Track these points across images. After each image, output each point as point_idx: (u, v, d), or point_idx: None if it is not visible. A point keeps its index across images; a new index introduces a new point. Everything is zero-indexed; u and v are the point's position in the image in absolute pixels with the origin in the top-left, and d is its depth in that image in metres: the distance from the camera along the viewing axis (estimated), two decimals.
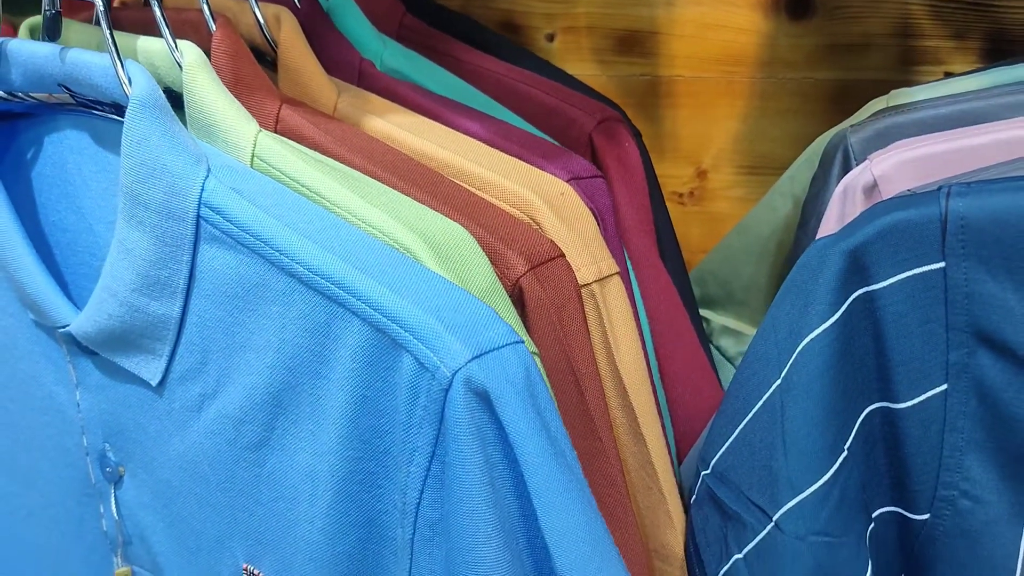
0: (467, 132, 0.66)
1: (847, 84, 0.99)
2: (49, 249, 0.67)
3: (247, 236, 0.53)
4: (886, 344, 0.53)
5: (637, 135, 0.76)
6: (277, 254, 0.52)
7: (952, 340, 0.52)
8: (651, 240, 0.73)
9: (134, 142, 0.54)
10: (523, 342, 0.49)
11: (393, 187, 0.58)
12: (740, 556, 0.57)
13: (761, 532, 0.55)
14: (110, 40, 0.56)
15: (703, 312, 0.88)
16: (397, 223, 0.53)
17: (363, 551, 0.54)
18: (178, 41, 0.59)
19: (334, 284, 0.50)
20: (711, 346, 0.87)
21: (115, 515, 0.66)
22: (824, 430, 0.53)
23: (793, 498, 0.53)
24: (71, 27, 0.66)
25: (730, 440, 0.58)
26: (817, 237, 0.65)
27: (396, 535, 0.52)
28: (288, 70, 0.67)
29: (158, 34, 0.61)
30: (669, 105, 1.03)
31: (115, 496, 0.66)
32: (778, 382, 0.55)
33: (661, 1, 1.00)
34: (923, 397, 0.53)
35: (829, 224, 0.65)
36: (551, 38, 1.03)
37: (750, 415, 0.57)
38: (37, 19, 0.65)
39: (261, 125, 0.58)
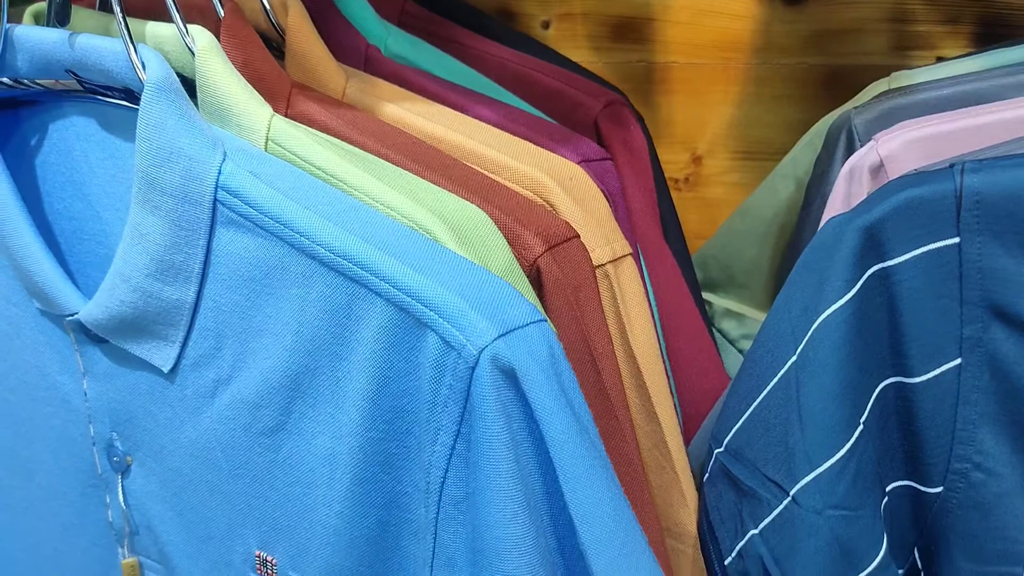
0: (476, 116, 0.66)
1: (841, 69, 1.00)
2: (54, 238, 0.67)
3: (266, 219, 0.53)
4: (901, 319, 0.54)
5: (640, 119, 0.77)
6: (297, 236, 0.52)
7: (966, 315, 0.53)
8: (656, 223, 0.74)
9: (150, 126, 0.54)
10: (546, 320, 0.49)
11: (408, 170, 0.58)
12: (756, 532, 0.58)
13: (778, 507, 0.56)
14: (123, 24, 0.55)
15: (705, 295, 0.88)
16: (416, 205, 0.54)
17: (382, 533, 0.54)
18: (188, 26, 0.59)
19: (356, 265, 0.50)
20: (713, 329, 0.88)
21: (122, 505, 0.66)
22: (841, 404, 0.54)
23: (810, 472, 0.54)
24: (77, 13, 0.65)
25: (744, 418, 0.59)
26: (823, 217, 0.66)
27: (418, 516, 0.52)
28: (296, 55, 0.67)
29: (165, 19, 0.60)
30: (664, 91, 1.04)
31: (122, 486, 0.65)
32: (793, 359, 0.55)
33: None
34: (937, 371, 0.54)
35: (835, 205, 0.65)
36: (546, 25, 1.03)
37: (764, 392, 0.57)
38: (41, 5, 0.65)
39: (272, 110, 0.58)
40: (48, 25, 0.63)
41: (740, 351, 0.87)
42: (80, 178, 0.65)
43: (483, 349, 0.47)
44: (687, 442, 0.72)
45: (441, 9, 0.83)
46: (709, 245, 0.89)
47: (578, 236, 0.57)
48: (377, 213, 0.53)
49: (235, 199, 0.54)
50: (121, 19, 0.56)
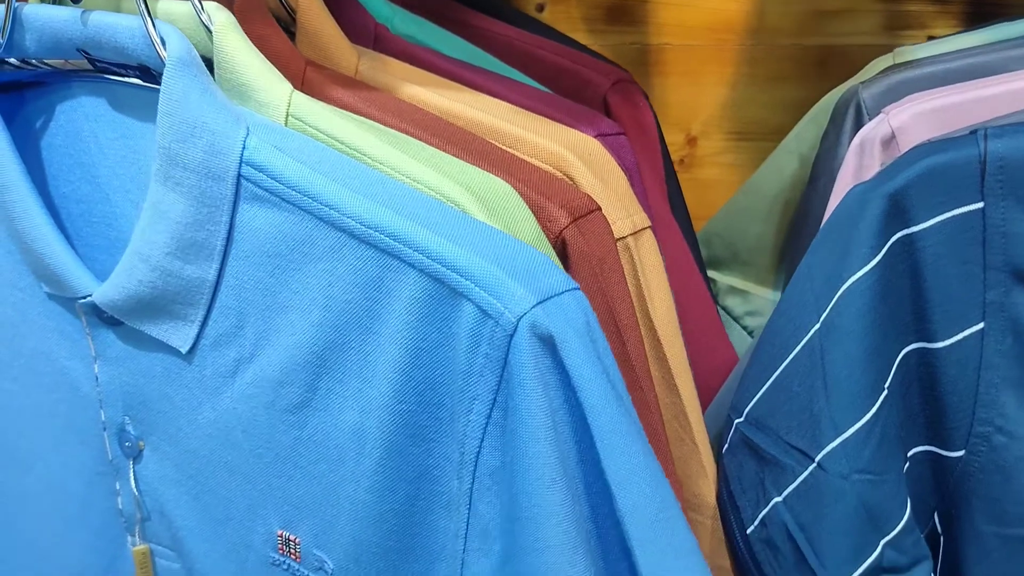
0: (490, 93, 0.66)
1: (834, 49, 1.01)
2: (60, 222, 0.66)
3: (293, 192, 0.53)
4: (924, 285, 0.54)
5: (646, 97, 0.77)
6: (326, 209, 0.52)
7: (989, 279, 0.53)
8: (665, 199, 0.74)
9: (173, 101, 0.54)
10: (580, 289, 0.49)
11: (429, 145, 0.58)
12: (780, 499, 0.58)
13: (802, 474, 0.57)
14: (143, 0, 0.55)
15: (709, 273, 0.89)
16: (443, 177, 0.54)
17: (411, 507, 0.54)
18: (204, 3, 0.59)
19: (389, 236, 0.50)
20: (718, 307, 0.89)
21: (134, 490, 0.65)
22: (866, 370, 0.55)
23: (836, 438, 0.55)
24: None
25: (765, 387, 0.59)
26: (833, 191, 0.67)
27: (450, 488, 0.52)
28: (307, 33, 0.66)
29: None
30: (659, 73, 1.04)
31: (134, 471, 0.64)
32: (817, 326, 0.56)
33: None
34: (960, 336, 0.55)
35: (845, 177, 0.66)
36: (541, 8, 1.03)
37: (787, 361, 0.58)
38: None
39: None
40: (58, 3, 0.62)
41: (744, 328, 0.88)
42: (89, 160, 0.64)
43: (521, 317, 0.47)
44: None
45: None
46: (714, 222, 0.90)
47: (600, 208, 0.58)
48: (405, 186, 0.53)
49: (260, 173, 0.53)
50: None
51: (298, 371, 0.55)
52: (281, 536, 0.60)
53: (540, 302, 0.48)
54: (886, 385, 0.55)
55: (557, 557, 0.49)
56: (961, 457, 0.57)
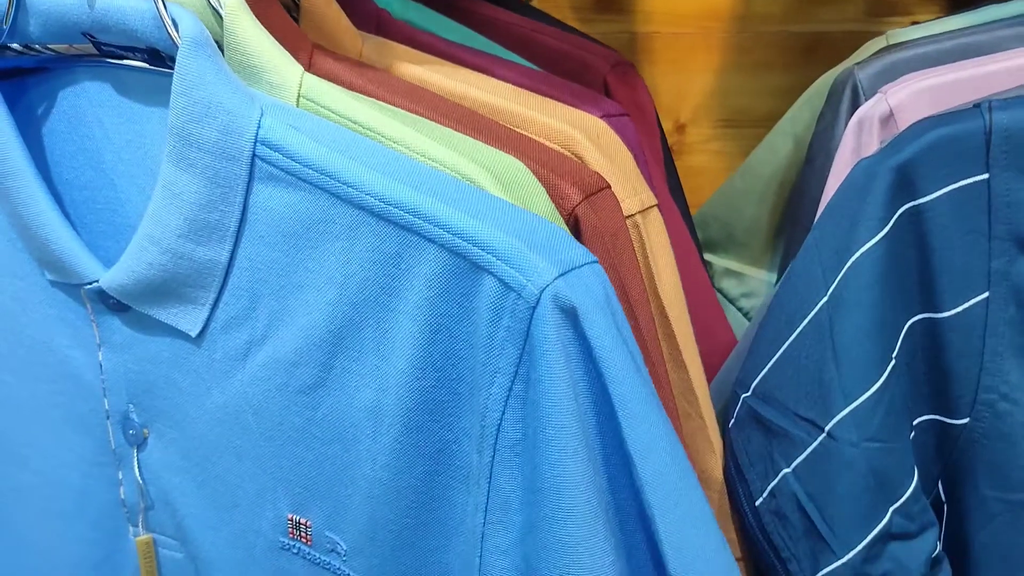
0: (494, 76, 0.66)
1: (820, 36, 1.02)
2: (63, 208, 0.65)
3: (309, 171, 0.53)
4: (931, 256, 0.56)
5: (642, 80, 0.78)
6: (344, 187, 0.52)
7: (994, 249, 0.55)
8: (664, 180, 0.75)
9: (188, 81, 0.54)
10: (598, 262, 0.50)
11: (441, 125, 0.58)
12: (789, 470, 0.59)
13: (812, 444, 0.58)
14: None
15: (704, 256, 0.90)
16: (458, 155, 0.54)
17: (430, 482, 0.54)
18: None
19: (409, 212, 0.50)
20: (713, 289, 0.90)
21: (138, 479, 0.64)
22: (875, 341, 0.56)
23: (846, 406, 0.56)
24: None
25: (773, 360, 0.60)
26: (832, 169, 0.68)
27: (469, 462, 0.53)
28: (312, 17, 0.67)
29: None
30: (647, 61, 1.05)
31: (138, 460, 0.64)
32: (825, 299, 0.57)
33: None
34: (966, 305, 0.56)
35: (844, 155, 0.67)
36: None
37: (794, 335, 0.59)
38: None
39: None
40: None
41: (740, 309, 0.89)
42: (93, 146, 0.64)
43: (544, 288, 0.48)
44: None
45: None
46: (709, 205, 0.91)
47: (610, 186, 0.58)
48: (421, 164, 0.53)
49: (276, 153, 0.53)
50: None
51: (313, 351, 0.55)
52: (291, 520, 0.59)
53: (562, 274, 0.48)
54: (893, 355, 0.56)
55: (579, 526, 0.49)
56: (966, 424, 0.58)
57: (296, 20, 0.68)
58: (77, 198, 0.65)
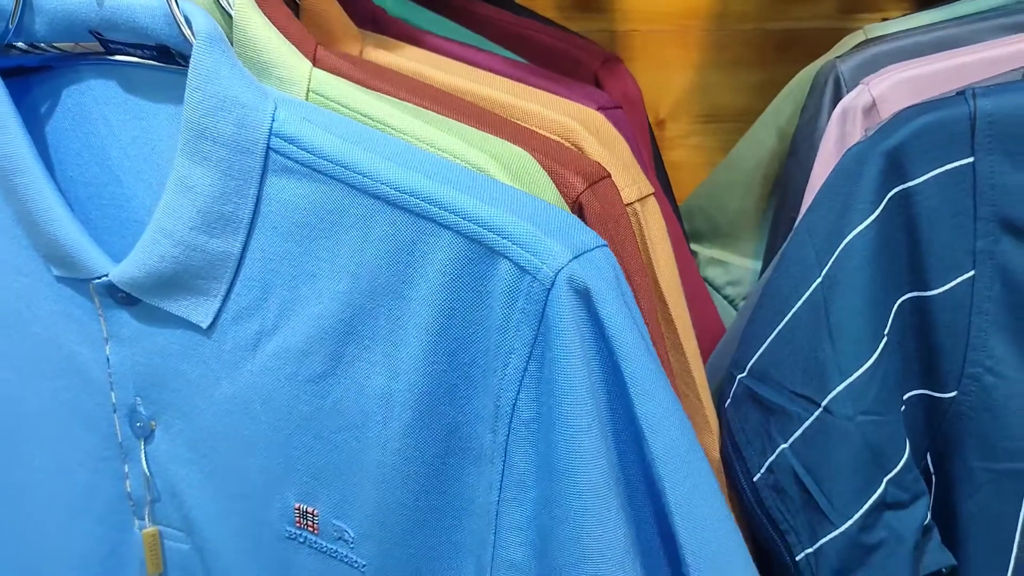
0: (492, 71, 0.68)
1: (794, 33, 1.05)
2: (68, 204, 0.66)
3: (324, 162, 0.54)
4: (920, 237, 0.58)
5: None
6: (359, 177, 0.53)
7: (979, 229, 0.57)
8: (653, 171, 0.77)
9: (203, 76, 0.54)
10: (607, 245, 0.52)
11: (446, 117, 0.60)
12: (786, 445, 0.61)
13: (808, 419, 0.60)
14: None
15: (691, 246, 0.92)
16: (467, 145, 0.55)
17: (441, 466, 0.56)
18: None
19: (424, 200, 0.52)
20: None
21: (145, 471, 0.64)
22: (868, 318, 0.58)
23: (842, 382, 0.58)
24: None
25: (768, 341, 0.63)
26: (817, 158, 0.70)
27: (482, 442, 0.54)
28: (312, 15, 0.68)
29: None
30: (627, 59, 1.06)
31: (145, 452, 0.64)
32: (819, 280, 0.59)
33: None
34: (953, 283, 0.59)
35: (828, 145, 0.70)
36: None
37: (789, 315, 0.61)
38: None
39: None
40: None
41: (726, 297, 0.92)
42: (99, 142, 0.64)
43: (559, 271, 0.49)
44: None
45: None
46: (694, 197, 0.93)
47: (610, 176, 0.60)
48: (432, 154, 0.55)
49: (290, 145, 0.55)
50: None
51: (324, 340, 0.56)
52: (298, 509, 0.60)
53: (575, 257, 0.50)
54: (885, 332, 0.59)
55: (594, 500, 0.51)
56: (953, 398, 0.61)
57: (298, 19, 0.69)
58: (82, 194, 0.66)
